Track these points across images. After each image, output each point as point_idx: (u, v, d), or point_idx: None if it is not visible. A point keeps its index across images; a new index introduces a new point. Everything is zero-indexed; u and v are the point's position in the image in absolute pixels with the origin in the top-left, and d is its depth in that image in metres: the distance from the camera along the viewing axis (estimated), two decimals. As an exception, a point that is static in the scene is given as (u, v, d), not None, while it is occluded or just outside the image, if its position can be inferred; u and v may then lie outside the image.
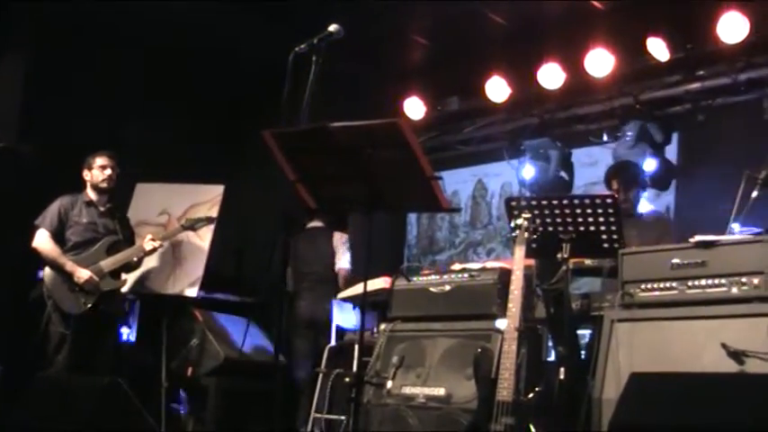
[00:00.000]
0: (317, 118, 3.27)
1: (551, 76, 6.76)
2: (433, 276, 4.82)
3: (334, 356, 5.71)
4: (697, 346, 3.49)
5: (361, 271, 3.61)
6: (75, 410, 4.48)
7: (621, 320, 3.80)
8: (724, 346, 3.38)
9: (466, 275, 4.63)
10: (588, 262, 4.37)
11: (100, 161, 5.67)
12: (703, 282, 3.61)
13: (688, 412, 3.07)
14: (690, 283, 3.64)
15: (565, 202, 4.08)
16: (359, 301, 4.96)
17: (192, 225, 5.93)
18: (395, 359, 4.61)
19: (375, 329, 5.08)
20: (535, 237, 3.97)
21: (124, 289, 5.81)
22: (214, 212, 6.09)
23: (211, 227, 6.05)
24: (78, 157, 5.75)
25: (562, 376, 3.82)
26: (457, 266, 4.91)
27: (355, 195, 3.45)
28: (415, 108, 7.73)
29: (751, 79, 6.11)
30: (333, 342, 5.84)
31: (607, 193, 4.93)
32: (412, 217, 8.68)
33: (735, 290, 3.50)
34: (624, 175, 5.21)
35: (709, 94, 6.34)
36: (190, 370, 6.19)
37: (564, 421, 3.78)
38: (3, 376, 5.49)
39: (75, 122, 6.76)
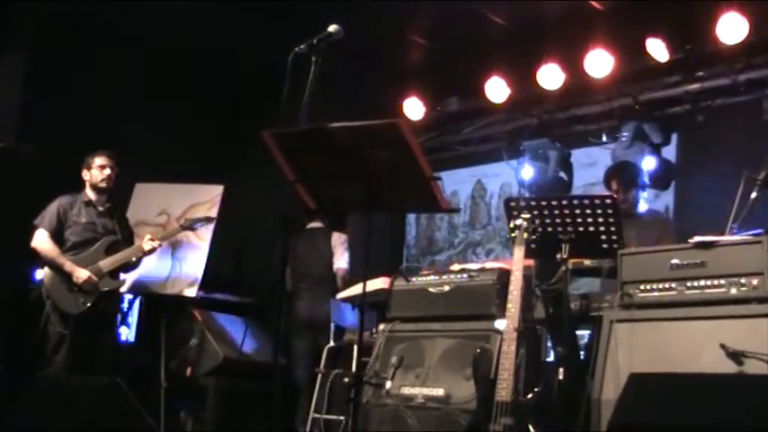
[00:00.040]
0: (317, 118, 3.27)
1: (551, 76, 6.77)
2: (432, 277, 4.82)
3: (333, 357, 5.72)
4: (696, 347, 3.49)
5: (360, 271, 3.60)
6: (74, 410, 4.48)
7: (620, 321, 3.80)
8: (723, 346, 3.38)
9: (465, 276, 4.63)
10: (587, 262, 4.36)
11: (99, 161, 5.67)
12: (702, 282, 3.61)
13: (687, 413, 3.07)
14: (689, 284, 3.64)
15: (564, 202, 4.08)
16: (358, 302, 4.96)
17: (192, 225, 5.94)
18: (394, 359, 4.60)
19: (374, 330, 5.08)
20: (534, 237, 3.97)
21: (123, 289, 5.82)
22: (213, 212, 6.09)
23: (210, 227, 6.05)
24: (78, 157, 5.75)
25: (561, 377, 3.82)
26: (456, 267, 4.91)
27: (354, 196, 3.45)
28: (414, 108, 7.73)
29: (750, 80, 6.11)
30: (332, 342, 5.84)
31: (606, 193, 4.93)
32: (411, 217, 8.68)
33: (734, 290, 3.50)
34: (623, 175, 5.21)
35: (708, 94, 6.35)
36: (189, 370, 6.19)
37: (563, 422, 3.79)
38: (2, 376, 5.48)
39: (74, 122, 6.77)
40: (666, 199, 6.65)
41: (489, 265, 4.87)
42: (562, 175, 7.01)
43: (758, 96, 6.10)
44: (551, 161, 7.00)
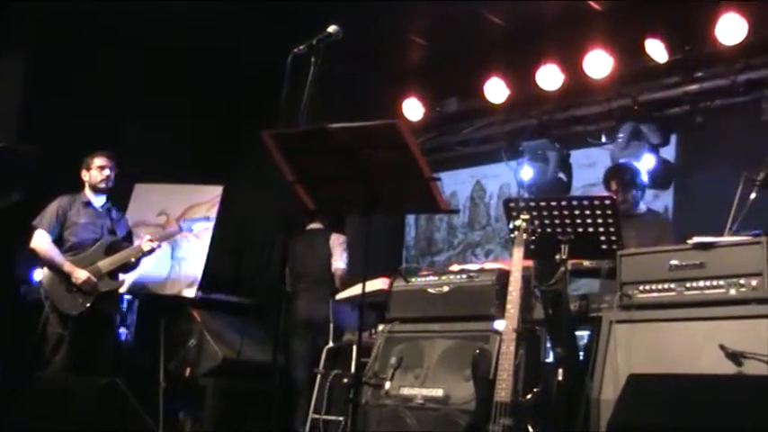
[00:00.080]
0: (316, 119, 3.27)
1: (550, 77, 6.77)
2: (431, 277, 4.82)
3: (332, 357, 5.72)
4: (695, 348, 3.50)
5: (359, 272, 3.60)
6: (73, 411, 4.48)
7: (620, 322, 3.80)
8: (722, 347, 3.38)
9: (464, 276, 4.63)
10: (587, 263, 4.36)
11: (98, 161, 5.67)
12: (701, 283, 3.61)
13: (686, 414, 3.08)
14: (688, 285, 3.65)
15: (563, 203, 4.08)
16: (357, 302, 4.96)
17: (188, 228, 5.94)
18: (393, 360, 4.61)
19: (373, 330, 5.08)
20: (533, 238, 3.97)
21: (122, 289, 5.82)
22: (212, 213, 6.09)
23: (210, 227, 6.05)
24: (78, 157, 5.75)
25: (560, 377, 3.83)
26: (455, 267, 4.91)
27: (354, 196, 3.45)
28: (413, 109, 7.73)
29: (749, 80, 6.11)
30: (331, 343, 5.84)
31: (606, 194, 4.93)
32: (410, 218, 8.68)
33: (733, 291, 3.50)
34: (623, 176, 5.21)
35: (707, 95, 6.34)
36: (188, 370, 6.19)
37: (562, 422, 3.79)
38: (1, 376, 5.49)
39: (74, 122, 6.77)
40: (666, 199, 6.65)
41: (488, 265, 4.88)
42: (561, 175, 7.01)
43: (757, 97, 6.09)
44: (550, 162, 7.00)
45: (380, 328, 4.85)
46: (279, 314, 5.60)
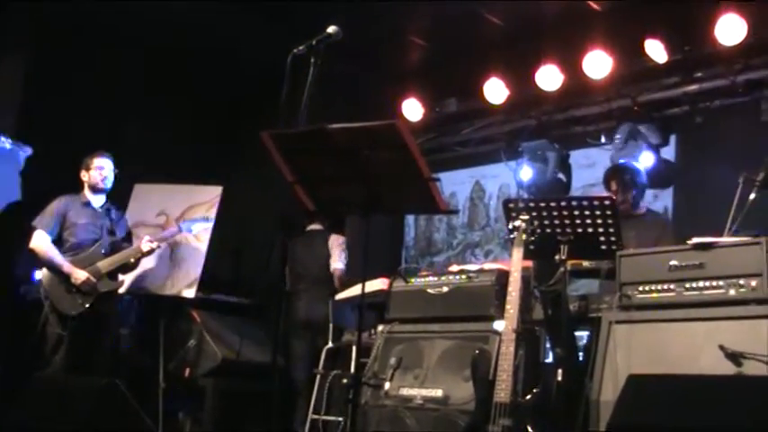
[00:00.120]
0: (316, 119, 3.27)
1: (549, 77, 6.76)
2: (430, 278, 4.82)
3: (331, 357, 5.72)
4: (695, 348, 3.50)
5: (358, 272, 3.60)
6: (72, 411, 4.47)
7: (619, 322, 3.80)
8: (722, 347, 3.38)
9: (464, 277, 4.63)
10: (586, 263, 4.36)
11: (97, 162, 5.67)
12: (701, 284, 3.61)
13: (686, 414, 3.07)
14: (688, 285, 3.65)
15: (563, 203, 4.08)
16: (357, 303, 4.96)
17: (188, 228, 5.94)
18: (392, 360, 4.61)
19: (373, 330, 5.08)
20: (533, 238, 3.97)
21: (122, 290, 5.81)
22: (212, 213, 6.09)
23: (209, 228, 6.04)
24: (78, 157, 5.75)
25: (560, 378, 3.82)
26: (455, 268, 4.91)
27: (353, 197, 3.45)
28: (413, 109, 7.73)
29: (749, 81, 6.11)
30: (330, 343, 5.84)
31: (605, 194, 4.93)
32: (410, 218, 8.68)
33: (732, 292, 3.50)
34: (623, 176, 5.21)
35: (707, 95, 6.34)
36: (187, 371, 6.19)
37: (561, 423, 3.78)
38: (1, 377, 5.49)
39: (74, 122, 6.77)
40: (665, 200, 6.65)
41: (488, 266, 4.87)
42: (561, 176, 7.01)
43: (757, 97, 6.09)
44: (550, 162, 7.00)
45: (380, 328, 4.85)
46: (278, 315, 5.61)
